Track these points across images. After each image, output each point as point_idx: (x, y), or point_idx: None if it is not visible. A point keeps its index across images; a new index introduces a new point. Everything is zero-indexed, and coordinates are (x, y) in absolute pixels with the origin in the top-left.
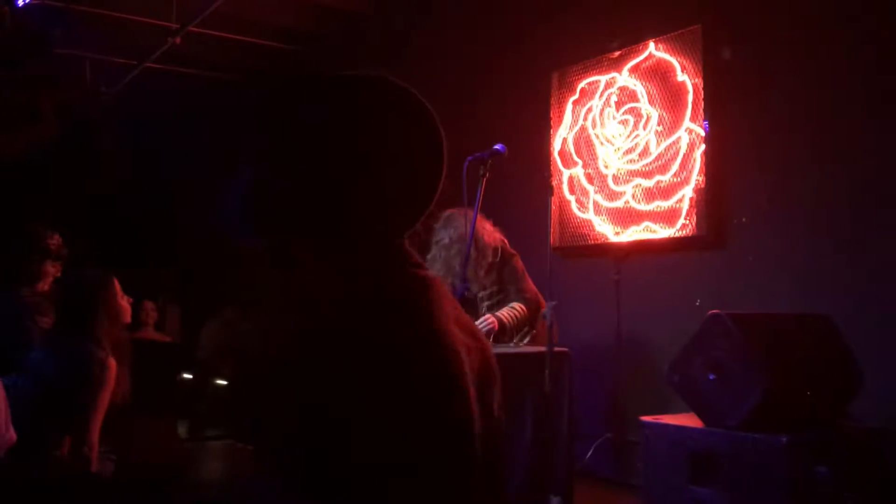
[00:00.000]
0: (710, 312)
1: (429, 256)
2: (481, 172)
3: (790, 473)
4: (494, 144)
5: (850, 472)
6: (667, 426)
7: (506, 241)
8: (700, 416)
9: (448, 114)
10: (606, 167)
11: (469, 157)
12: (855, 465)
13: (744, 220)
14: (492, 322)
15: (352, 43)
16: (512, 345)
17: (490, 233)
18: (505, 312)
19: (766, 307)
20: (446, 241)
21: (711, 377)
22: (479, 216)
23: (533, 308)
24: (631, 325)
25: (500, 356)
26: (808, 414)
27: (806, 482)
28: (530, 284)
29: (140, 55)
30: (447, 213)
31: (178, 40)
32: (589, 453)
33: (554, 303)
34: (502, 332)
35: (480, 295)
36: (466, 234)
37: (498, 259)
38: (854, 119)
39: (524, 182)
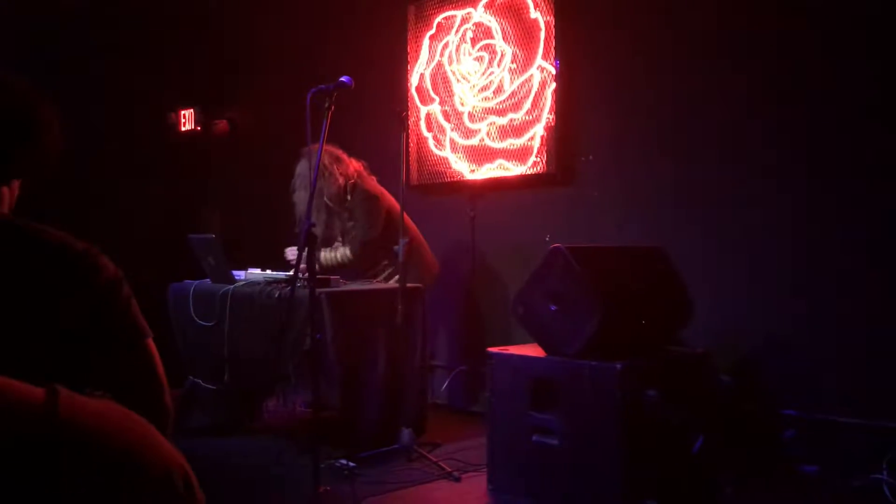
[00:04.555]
0: (552, 246)
1: (294, 196)
2: (326, 105)
3: (623, 397)
4: (343, 77)
5: (677, 393)
6: (511, 356)
7: (363, 178)
8: (542, 345)
9: (302, 46)
10: (462, 104)
11: (312, 90)
12: (681, 386)
13: (590, 157)
14: None
15: None
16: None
17: (341, 167)
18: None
19: (610, 241)
20: (297, 177)
21: (552, 308)
22: (337, 151)
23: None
24: (485, 260)
25: (352, 293)
26: (641, 341)
27: (636, 405)
28: (376, 227)
29: None
30: (305, 148)
31: None
32: (444, 385)
33: (406, 240)
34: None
35: (338, 232)
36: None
37: (350, 196)
38: (698, 59)
39: (383, 118)
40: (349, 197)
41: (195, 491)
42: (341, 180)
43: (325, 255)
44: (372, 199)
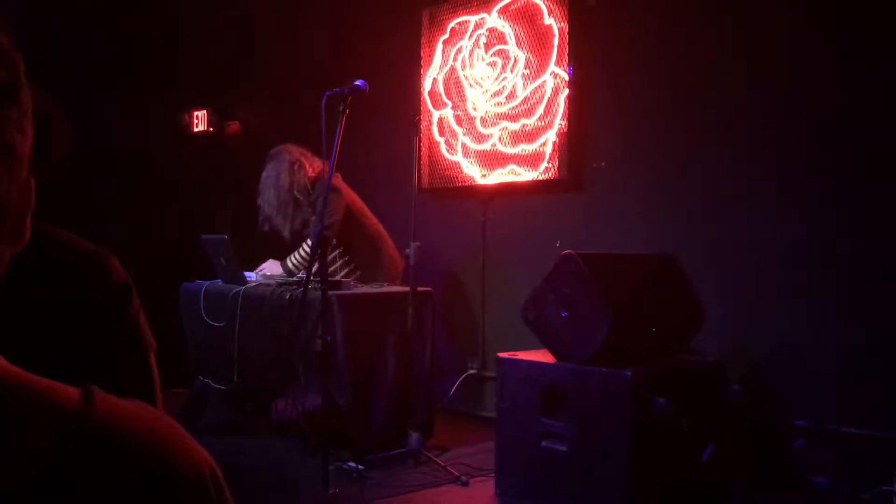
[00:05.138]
0: (563, 252)
1: (260, 199)
2: (341, 108)
3: (633, 405)
4: (358, 80)
5: (687, 401)
6: (521, 362)
7: (321, 174)
8: (552, 351)
9: (315, 50)
10: (475, 109)
11: (327, 93)
12: (692, 394)
13: (602, 164)
14: None
15: None
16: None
17: (310, 161)
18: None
19: (622, 248)
20: (263, 179)
21: (563, 314)
22: (305, 150)
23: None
24: (496, 265)
25: (363, 296)
26: (652, 348)
27: (646, 412)
28: (334, 214)
29: None
30: (274, 149)
31: None
32: (452, 389)
33: (418, 244)
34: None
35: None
36: (280, 173)
37: (312, 189)
38: (711, 66)
39: (395, 122)
40: (311, 190)
41: (225, 491)
42: (312, 173)
43: (294, 258)
44: (333, 189)
